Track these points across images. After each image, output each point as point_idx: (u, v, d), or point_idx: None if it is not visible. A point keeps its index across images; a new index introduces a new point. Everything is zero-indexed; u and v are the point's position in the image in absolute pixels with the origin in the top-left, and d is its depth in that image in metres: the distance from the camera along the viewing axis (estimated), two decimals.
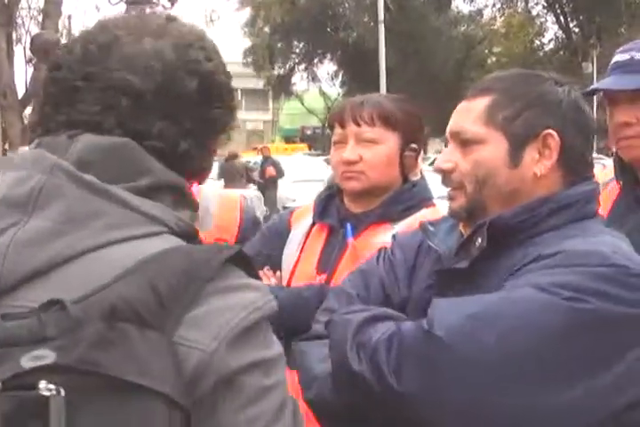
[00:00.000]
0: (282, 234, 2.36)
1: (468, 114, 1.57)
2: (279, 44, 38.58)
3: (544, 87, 1.57)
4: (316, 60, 39.46)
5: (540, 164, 1.53)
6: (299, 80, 40.65)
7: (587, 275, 1.37)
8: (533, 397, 1.34)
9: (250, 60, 38.41)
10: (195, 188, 2.54)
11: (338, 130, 2.24)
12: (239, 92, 55.27)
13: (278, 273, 2.28)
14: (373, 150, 2.18)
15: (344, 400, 1.45)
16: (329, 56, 38.86)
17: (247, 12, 38.64)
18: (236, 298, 0.99)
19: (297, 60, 39.67)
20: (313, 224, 2.32)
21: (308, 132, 50.59)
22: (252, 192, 14.74)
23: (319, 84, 40.79)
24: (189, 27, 1.17)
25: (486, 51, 39.22)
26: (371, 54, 25.44)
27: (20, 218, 1.00)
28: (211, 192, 2.66)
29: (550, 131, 1.53)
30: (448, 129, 1.61)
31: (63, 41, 21.98)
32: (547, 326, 1.34)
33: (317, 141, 43.24)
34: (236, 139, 50.73)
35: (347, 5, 36.26)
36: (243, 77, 46.19)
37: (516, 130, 1.53)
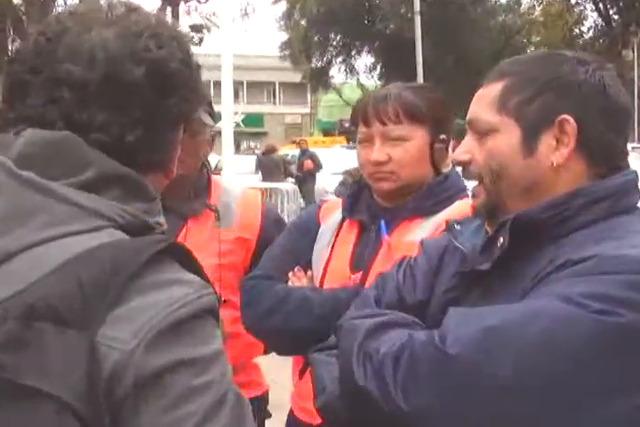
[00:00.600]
0: (310, 230, 2.30)
1: (482, 101, 1.47)
2: (316, 37, 38.49)
3: (563, 68, 1.43)
4: (353, 53, 39.32)
5: (557, 152, 1.40)
6: (336, 73, 40.54)
7: (621, 284, 1.23)
8: (553, 423, 1.23)
9: (287, 53, 38.38)
10: (216, 184, 2.53)
11: (362, 128, 2.16)
12: (277, 85, 55.47)
13: (309, 273, 2.22)
14: (402, 148, 2.10)
15: (351, 412, 1.37)
16: (366, 48, 38.69)
17: (283, 6, 38.57)
18: (162, 294, 0.96)
19: (334, 53, 39.54)
20: (343, 220, 2.25)
21: (347, 125, 50.46)
22: (287, 185, 14.71)
23: (357, 77, 40.65)
24: (147, 16, 1.14)
25: (524, 40, 38.83)
26: (408, 46, 25.23)
27: None
28: (233, 189, 2.60)
29: (566, 116, 1.39)
30: (467, 118, 1.50)
31: None
32: (572, 344, 1.20)
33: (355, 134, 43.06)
34: (275, 132, 50.93)
35: None
36: (280, 71, 46.30)
37: (529, 116, 1.41)
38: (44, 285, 0.92)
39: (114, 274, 0.94)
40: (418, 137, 2.12)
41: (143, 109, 1.08)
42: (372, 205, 2.20)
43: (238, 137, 51.87)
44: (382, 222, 2.13)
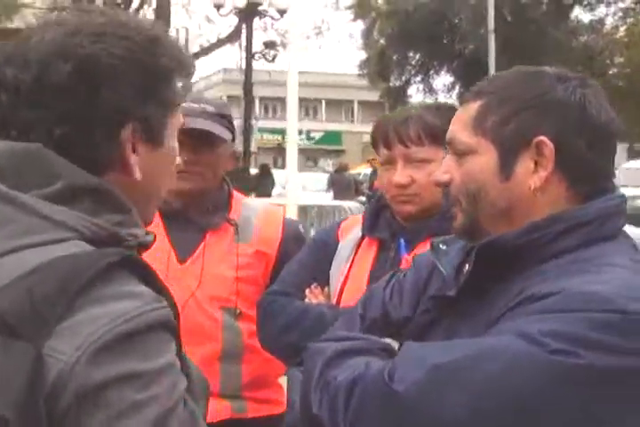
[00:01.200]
0: (329, 247, 2.27)
1: (460, 121, 1.41)
2: (394, 56, 38.50)
3: (541, 86, 1.36)
4: (431, 72, 39.19)
5: (535, 175, 1.34)
6: (414, 92, 40.43)
7: (583, 322, 1.17)
8: None
9: (365, 71, 38.45)
10: (237, 199, 2.52)
11: (384, 151, 2.14)
12: (355, 103, 55.65)
13: (326, 290, 2.19)
14: (425, 170, 2.07)
15: None
16: (445, 68, 38.53)
17: (361, 24, 38.71)
18: (110, 307, 0.94)
19: (412, 72, 39.47)
20: (362, 237, 2.22)
21: None
22: (352, 204, 14.74)
23: (435, 96, 40.50)
24: (104, 17, 1.13)
25: (607, 61, 38.19)
26: (486, 65, 25.08)
27: None
28: (254, 204, 2.62)
29: (543, 138, 1.32)
30: (446, 138, 1.45)
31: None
32: (528, 384, 1.15)
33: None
34: (352, 151, 51.06)
35: (462, 16, 35.88)
36: (358, 89, 46.43)
37: (505, 137, 1.35)
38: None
39: (63, 287, 0.93)
40: (440, 158, 2.07)
41: (71, 104, 1.06)
42: (392, 224, 2.17)
43: (315, 154, 52.32)
44: (402, 241, 2.10)
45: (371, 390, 1.22)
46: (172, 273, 2.35)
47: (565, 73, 1.41)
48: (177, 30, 24.55)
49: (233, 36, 20.40)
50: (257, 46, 20.82)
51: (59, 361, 0.91)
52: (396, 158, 2.10)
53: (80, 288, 0.94)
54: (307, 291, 2.18)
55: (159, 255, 2.38)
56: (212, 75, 47.26)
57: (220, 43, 20.94)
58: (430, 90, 39.69)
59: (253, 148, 27.33)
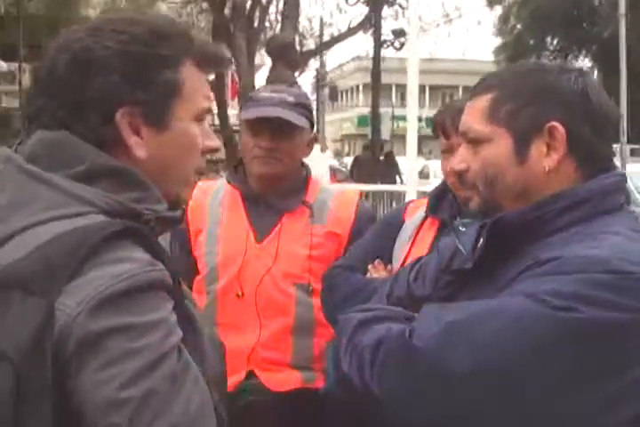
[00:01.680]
0: (394, 226, 2.40)
1: (473, 112, 1.54)
2: (531, 41, 37.78)
3: (546, 78, 1.49)
4: (570, 57, 38.27)
5: (548, 158, 1.46)
6: None
7: (581, 282, 1.29)
8: (511, 412, 1.29)
9: (502, 58, 37.87)
10: (314, 183, 2.67)
11: (443, 140, 2.25)
12: None
13: (389, 266, 2.32)
14: None
15: (342, 396, 1.48)
16: (583, 52, 37.57)
17: (495, 10, 38.10)
18: (110, 269, 1.09)
19: (550, 58, 38.62)
20: (425, 218, 2.33)
21: None
22: None
23: None
24: (117, 18, 1.30)
25: None
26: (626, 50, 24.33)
27: None
28: (331, 188, 2.77)
29: (554, 123, 1.45)
30: (459, 129, 1.58)
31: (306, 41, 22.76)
32: (531, 337, 1.28)
33: None
34: None
35: None
36: None
37: (519, 125, 1.47)
38: (21, 261, 1.09)
39: (73, 253, 1.09)
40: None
41: (68, 91, 1.22)
42: (453, 205, 2.27)
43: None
44: (458, 219, 2.19)
45: (394, 347, 1.37)
46: (250, 251, 2.54)
47: (566, 65, 1.54)
48: (309, 20, 24.85)
49: (363, 25, 20.48)
50: (388, 34, 20.91)
51: (64, 314, 1.05)
52: (453, 147, 2.17)
53: (87, 253, 1.08)
54: (369, 266, 2.31)
55: (239, 235, 2.57)
56: (344, 64, 47.45)
57: (351, 32, 21.03)
58: None
59: (385, 135, 27.32)
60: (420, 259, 1.77)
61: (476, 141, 1.52)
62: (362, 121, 44.99)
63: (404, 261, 2.28)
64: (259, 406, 2.52)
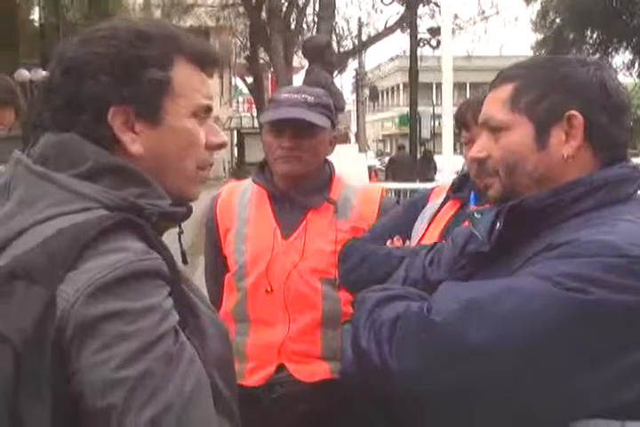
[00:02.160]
0: (417, 207, 2.50)
1: (494, 102, 1.61)
2: (571, 35, 37.48)
3: (566, 69, 1.56)
4: (610, 50, 37.89)
5: (567, 145, 1.53)
6: None
7: (594, 265, 1.35)
8: (522, 389, 1.35)
9: (542, 53, 37.58)
10: (338, 180, 2.74)
11: (464, 132, 2.33)
12: None
13: (407, 243, 2.39)
14: None
15: (359, 371, 1.53)
16: (624, 45, 37.16)
17: (532, 6, 37.82)
18: (107, 258, 1.16)
19: (590, 51, 38.28)
20: (447, 200, 2.42)
21: None
22: None
23: (615, 75, 39.12)
24: (109, 26, 1.38)
25: None
26: None
27: (1, 203, 1.27)
28: (355, 185, 2.83)
29: (573, 112, 1.52)
30: (479, 119, 1.65)
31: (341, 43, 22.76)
32: (543, 316, 1.33)
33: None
34: None
35: None
36: None
37: (539, 113, 1.54)
38: (27, 253, 1.17)
39: (73, 244, 1.17)
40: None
41: (63, 96, 1.31)
42: (474, 186, 2.33)
43: None
44: (472, 193, 2.30)
45: (412, 322, 1.43)
46: (277, 248, 2.62)
47: (584, 58, 1.61)
48: (347, 20, 24.88)
49: (400, 24, 20.49)
50: (425, 33, 20.88)
51: (64, 300, 1.12)
52: (474, 139, 2.24)
53: (85, 244, 1.16)
54: (387, 242, 2.38)
55: (267, 233, 2.65)
56: (384, 64, 47.40)
57: (388, 31, 21.05)
58: (610, 68, 38.43)
59: (426, 134, 27.27)
60: (434, 244, 1.84)
61: (497, 130, 1.59)
62: (403, 120, 44.88)
63: (420, 240, 2.37)
64: (290, 397, 2.60)
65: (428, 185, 12.29)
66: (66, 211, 1.23)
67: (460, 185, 2.43)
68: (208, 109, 1.41)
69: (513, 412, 1.37)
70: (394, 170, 20.21)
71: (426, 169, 19.20)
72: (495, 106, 1.60)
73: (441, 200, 2.46)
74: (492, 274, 1.51)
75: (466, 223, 2.18)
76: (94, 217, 1.22)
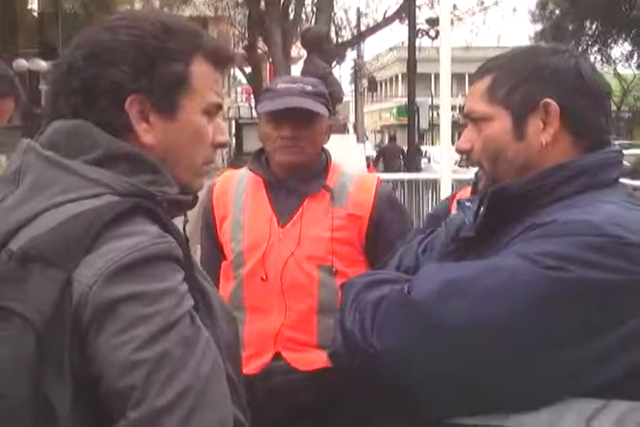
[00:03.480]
0: (439, 218, 2.46)
1: (475, 94, 1.63)
2: (570, 27, 37.46)
3: (540, 58, 1.58)
4: (609, 41, 37.88)
5: (545, 133, 1.55)
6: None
7: (574, 244, 1.37)
8: (503, 367, 1.37)
9: (545, 43, 37.56)
10: (335, 168, 2.75)
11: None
12: None
13: None
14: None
15: (345, 351, 1.55)
16: (623, 36, 37.14)
17: None
18: (122, 242, 1.18)
19: (589, 42, 38.28)
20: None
21: None
22: None
23: (614, 66, 39.11)
24: (132, 14, 1.42)
25: None
26: None
27: (12, 190, 1.29)
28: (351, 173, 2.84)
29: (548, 99, 1.53)
30: (464, 111, 1.67)
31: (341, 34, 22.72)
32: (523, 294, 1.36)
33: (612, 126, 41.42)
34: None
35: None
36: None
37: (515, 103, 1.56)
38: (42, 237, 1.19)
39: (89, 229, 1.19)
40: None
41: (82, 79, 1.32)
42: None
43: None
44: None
45: (393, 302, 1.46)
46: (274, 236, 2.64)
47: (558, 46, 1.63)
48: (345, 11, 24.85)
49: (399, 15, 20.45)
50: (424, 24, 20.86)
51: (82, 284, 1.14)
52: None
53: (100, 229, 1.18)
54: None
55: (263, 220, 2.66)
56: (383, 54, 47.34)
57: (386, 22, 21.02)
58: (608, 60, 38.41)
59: (424, 125, 27.27)
60: (429, 234, 1.86)
61: (478, 121, 1.62)
62: (401, 111, 44.83)
63: None
64: (286, 385, 2.62)
65: (427, 176, 12.34)
66: (77, 197, 1.25)
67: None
68: (219, 107, 1.43)
69: (496, 390, 1.39)
70: (385, 161, 20.29)
71: (412, 159, 19.30)
72: (475, 98, 1.63)
73: None
74: (479, 258, 1.53)
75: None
76: (108, 202, 1.24)
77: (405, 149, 19.21)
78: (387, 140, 25.10)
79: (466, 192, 2.48)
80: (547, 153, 1.56)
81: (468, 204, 1.70)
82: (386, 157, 20.65)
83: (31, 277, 1.15)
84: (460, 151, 1.68)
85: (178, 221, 1.43)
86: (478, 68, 1.67)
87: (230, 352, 1.35)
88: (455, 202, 2.44)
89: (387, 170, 17.02)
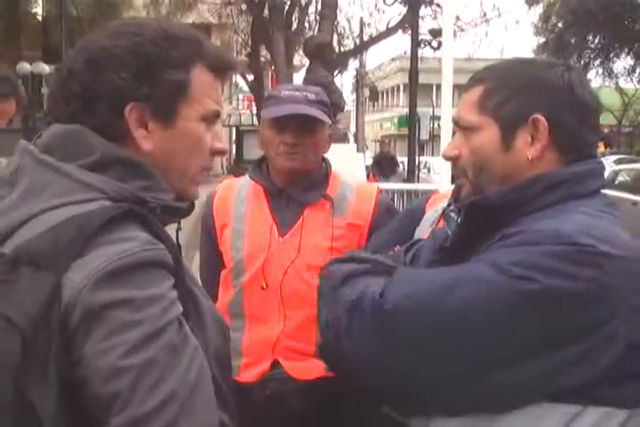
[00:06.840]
0: (414, 216, 2.48)
1: (465, 103, 1.64)
2: (573, 39, 37.53)
3: (534, 72, 1.59)
4: (612, 55, 37.96)
5: (532, 147, 1.55)
6: (594, 76, 39.26)
7: (541, 253, 1.38)
8: (467, 376, 1.40)
9: (542, 57, 37.63)
10: (335, 177, 2.76)
11: None
12: None
13: None
14: None
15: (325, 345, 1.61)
16: (626, 50, 37.22)
17: (534, 9, 37.86)
18: (112, 248, 1.18)
19: (592, 56, 38.37)
20: (448, 207, 2.41)
21: (605, 131, 48.80)
22: None
23: (615, 80, 39.20)
24: (135, 22, 1.41)
25: None
26: None
27: (7, 192, 1.29)
28: (351, 182, 2.84)
29: (538, 115, 1.54)
30: (453, 118, 1.68)
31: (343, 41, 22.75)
32: (489, 302, 1.38)
33: (613, 140, 41.51)
34: None
35: None
36: None
37: (505, 116, 1.57)
38: (34, 240, 1.19)
39: (79, 233, 1.19)
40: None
41: (82, 85, 1.32)
42: None
43: None
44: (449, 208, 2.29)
45: (366, 308, 1.48)
46: (274, 245, 2.63)
47: (553, 60, 1.65)
48: (348, 20, 24.90)
49: (402, 25, 20.49)
50: (426, 34, 20.87)
51: (71, 287, 1.14)
52: None
53: (91, 234, 1.18)
54: (389, 252, 2.39)
55: (263, 229, 2.66)
56: (385, 64, 47.38)
57: (389, 32, 21.04)
58: (610, 73, 38.49)
59: (424, 135, 27.28)
60: (416, 242, 1.87)
61: (466, 130, 1.62)
62: (402, 121, 44.88)
63: None
64: (283, 394, 2.61)
65: (423, 186, 12.36)
66: (71, 200, 1.25)
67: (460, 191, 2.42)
68: (217, 115, 1.43)
69: (470, 399, 1.42)
70: (380, 171, 20.37)
71: (388, 168, 19.48)
72: (466, 106, 1.63)
73: (441, 207, 2.44)
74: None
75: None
76: (100, 207, 1.24)
77: (405, 159, 19.32)
78: (380, 151, 25.29)
79: (446, 193, 2.49)
80: (531, 167, 1.57)
81: (452, 215, 1.71)
82: (381, 167, 20.76)
83: (21, 279, 1.15)
84: (446, 158, 1.68)
85: (171, 229, 1.43)
86: (472, 77, 1.68)
87: (219, 359, 1.35)
88: (433, 205, 2.48)
89: (381, 180, 17.16)
